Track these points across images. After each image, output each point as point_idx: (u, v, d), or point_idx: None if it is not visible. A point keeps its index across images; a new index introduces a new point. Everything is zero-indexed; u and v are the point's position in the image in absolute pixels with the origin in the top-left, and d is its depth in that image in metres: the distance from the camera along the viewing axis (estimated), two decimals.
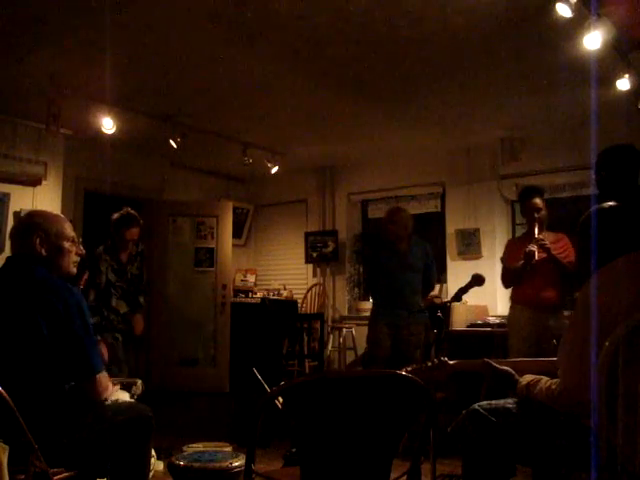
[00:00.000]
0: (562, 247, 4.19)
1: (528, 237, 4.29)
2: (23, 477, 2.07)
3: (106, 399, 2.35)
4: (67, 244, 2.42)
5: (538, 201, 4.26)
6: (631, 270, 1.95)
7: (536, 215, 4.25)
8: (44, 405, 2.20)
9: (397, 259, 4.74)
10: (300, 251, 7.48)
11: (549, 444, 2.01)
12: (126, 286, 4.76)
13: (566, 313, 4.15)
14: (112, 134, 4.92)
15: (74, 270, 2.47)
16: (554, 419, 1.99)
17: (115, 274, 4.73)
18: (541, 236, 4.15)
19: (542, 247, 4.08)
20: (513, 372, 2.22)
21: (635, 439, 1.72)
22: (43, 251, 2.35)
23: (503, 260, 4.47)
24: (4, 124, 5.17)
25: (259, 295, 7.10)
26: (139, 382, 3.77)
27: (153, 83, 4.63)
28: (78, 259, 2.50)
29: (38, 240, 2.35)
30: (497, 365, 2.28)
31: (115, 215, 4.75)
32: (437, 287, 6.28)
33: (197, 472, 2.98)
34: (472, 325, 5.32)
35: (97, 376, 2.27)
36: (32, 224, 2.38)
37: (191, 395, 5.92)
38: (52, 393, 2.23)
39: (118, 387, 2.62)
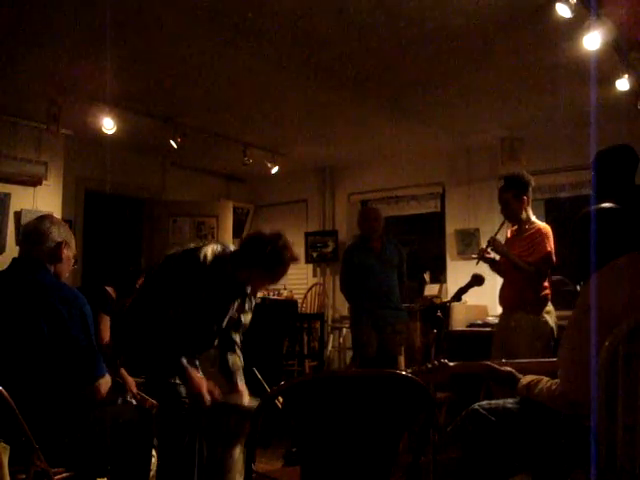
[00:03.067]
0: (527, 245, 3.91)
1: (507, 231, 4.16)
2: (24, 477, 2.08)
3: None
4: (71, 252, 2.47)
5: (503, 194, 3.97)
6: (631, 270, 1.95)
7: (503, 210, 4.02)
8: (45, 405, 2.20)
9: (374, 258, 4.73)
10: (300, 251, 7.47)
11: (549, 444, 2.01)
12: None
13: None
14: (112, 134, 4.92)
15: (67, 274, 2.51)
16: (554, 419, 1.99)
17: None
18: (499, 235, 3.97)
19: (490, 248, 3.90)
20: (515, 372, 2.22)
21: (635, 439, 1.73)
22: (62, 256, 2.40)
23: None
24: (4, 124, 5.17)
25: (259, 295, 7.08)
26: None
27: (153, 83, 4.63)
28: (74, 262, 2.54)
29: (60, 246, 2.39)
30: (498, 367, 2.28)
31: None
32: (437, 287, 6.30)
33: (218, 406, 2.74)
34: (472, 325, 5.31)
35: (97, 382, 2.29)
36: (50, 230, 2.40)
37: None
38: (53, 394, 2.23)
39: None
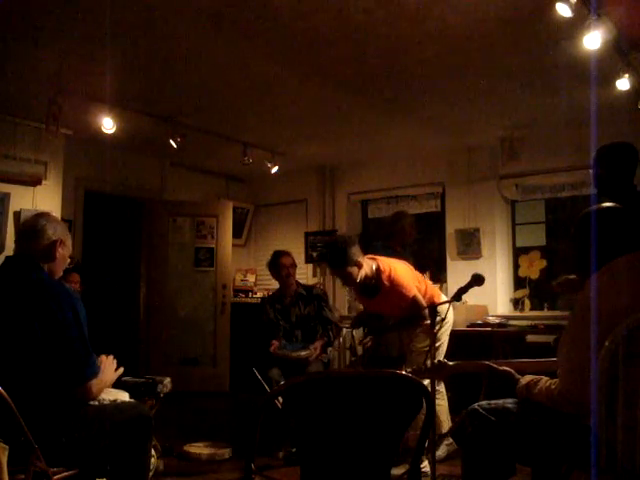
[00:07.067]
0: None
1: None
2: (23, 477, 2.08)
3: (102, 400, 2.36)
4: (67, 252, 2.46)
5: (339, 273, 3.72)
6: (631, 270, 1.95)
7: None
8: (44, 405, 2.20)
9: None
10: (300, 251, 7.47)
11: (549, 444, 2.01)
12: (289, 327, 4.74)
13: None
14: (112, 134, 4.91)
15: (61, 273, 2.50)
16: (554, 419, 1.99)
17: (279, 314, 4.78)
18: None
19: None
20: (513, 372, 2.22)
21: (635, 439, 1.73)
22: (56, 255, 2.38)
23: None
24: (4, 124, 5.16)
25: (259, 295, 7.10)
26: (167, 380, 3.77)
27: (153, 83, 4.63)
28: (69, 261, 2.54)
29: (55, 244, 2.37)
30: (497, 367, 2.28)
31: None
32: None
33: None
34: (472, 325, 5.32)
35: (88, 383, 2.25)
36: (45, 228, 2.39)
37: (191, 395, 5.92)
38: (51, 393, 2.22)
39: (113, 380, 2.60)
